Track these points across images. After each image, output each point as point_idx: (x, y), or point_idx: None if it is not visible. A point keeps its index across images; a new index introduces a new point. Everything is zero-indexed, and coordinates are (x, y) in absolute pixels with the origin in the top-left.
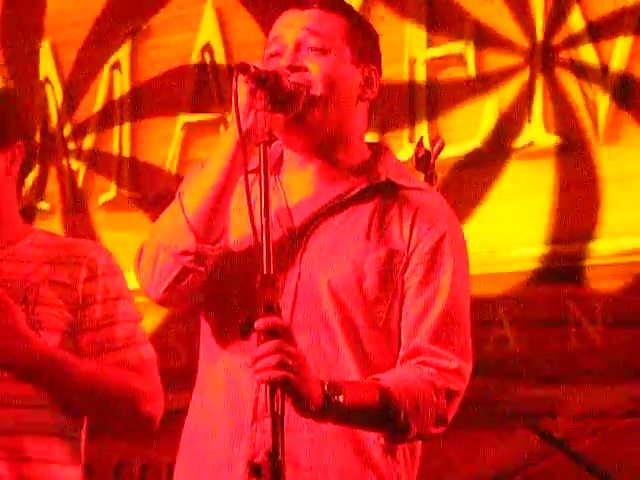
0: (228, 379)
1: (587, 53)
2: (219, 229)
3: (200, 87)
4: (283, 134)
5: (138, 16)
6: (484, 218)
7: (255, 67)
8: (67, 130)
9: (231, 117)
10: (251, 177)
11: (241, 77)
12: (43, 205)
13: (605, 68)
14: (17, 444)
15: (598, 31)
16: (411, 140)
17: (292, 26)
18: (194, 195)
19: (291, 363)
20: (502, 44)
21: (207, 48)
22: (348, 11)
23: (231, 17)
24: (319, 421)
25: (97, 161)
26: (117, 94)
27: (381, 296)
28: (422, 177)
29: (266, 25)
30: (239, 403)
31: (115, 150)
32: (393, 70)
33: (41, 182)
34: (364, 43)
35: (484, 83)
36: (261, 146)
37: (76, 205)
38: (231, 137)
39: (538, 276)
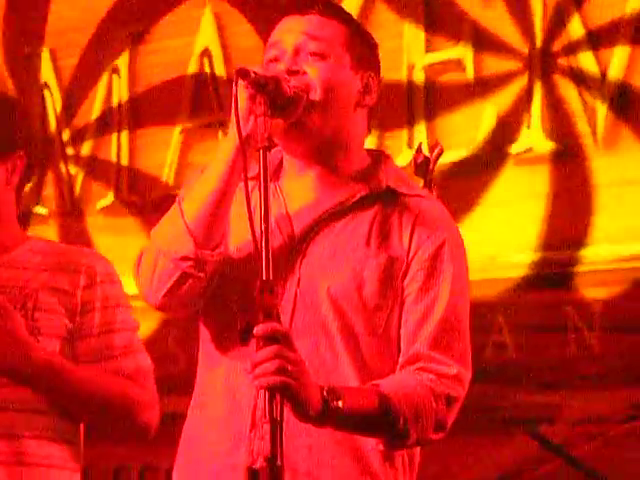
0: (227, 385)
1: (586, 60)
2: (219, 235)
3: (198, 93)
4: (283, 140)
5: (138, 22)
6: (480, 223)
7: (255, 72)
8: (66, 135)
9: (231, 122)
10: (251, 184)
11: (241, 82)
12: (40, 209)
13: (604, 76)
14: (16, 448)
15: (597, 39)
16: (409, 145)
17: (292, 31)
18: (194, 200)
19: (290, 369)
20: (501, 49)
21: (206, 53)
22: (347, 18)
23: (230, 22)
24: (318, 427)
25: (95, 167)
26: (115, 100)
27: (381, 303)
28: (421, 183)
29: (265, 32)
30: (238, 409)
31: (113, 156)
32: (392, 75)
33: (38, 186)
34: (363, 50)
35: (482, 88)
36: (261, 151)
37: (73, 210)
38: (231, 142)
39: (536, 282)
